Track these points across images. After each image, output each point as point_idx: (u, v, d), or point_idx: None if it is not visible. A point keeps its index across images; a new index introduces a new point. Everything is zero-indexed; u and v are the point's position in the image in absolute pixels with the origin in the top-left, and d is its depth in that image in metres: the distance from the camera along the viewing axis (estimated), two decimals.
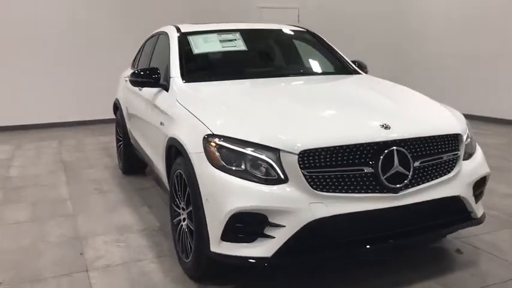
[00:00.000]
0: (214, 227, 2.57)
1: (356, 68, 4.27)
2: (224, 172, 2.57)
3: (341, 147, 2.53)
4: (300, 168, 2.48)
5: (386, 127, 2.65)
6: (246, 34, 4.22)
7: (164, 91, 3.73)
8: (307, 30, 4.71)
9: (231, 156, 2.60)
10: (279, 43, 4.70)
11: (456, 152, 2.82)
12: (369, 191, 2.55)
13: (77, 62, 9.26)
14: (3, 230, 3.97)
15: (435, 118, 3.01)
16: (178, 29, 4.25)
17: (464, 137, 2.91)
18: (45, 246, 3.61)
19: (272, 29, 4.69)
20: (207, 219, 2.62)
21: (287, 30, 4.70)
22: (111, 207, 4.49)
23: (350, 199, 2.52)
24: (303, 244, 2.54)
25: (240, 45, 4.08)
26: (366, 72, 4.35)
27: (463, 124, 3.01)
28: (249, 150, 2.57)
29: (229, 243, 2.56)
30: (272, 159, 2.53)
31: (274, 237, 2.48)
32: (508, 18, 8.48)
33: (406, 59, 10.93)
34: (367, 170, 2.55)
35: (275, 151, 2.53)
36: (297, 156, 2.48)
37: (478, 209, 2.98)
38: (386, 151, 2.56)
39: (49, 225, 4.04)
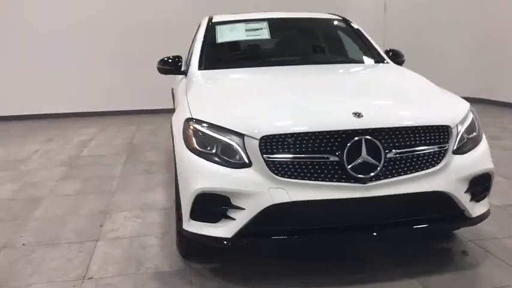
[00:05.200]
0: (185, 206, 2.69)
1: (385, 57, 4.08)
2: (195, 154, 2.68)
3: (306, 133, 2.51)
4: (261, 153, 2.51)
5: (359, 115, 2.56)
6: (274, 23, 4.26)
7: (185, 78, 3.92)
8: (343, 18, 4.59)
9: (204, 139, 2.69)
10: (305, 31, 4.64)
11: (443, 145, 2.64)
12: (334, 179, 2.50)
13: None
14: (51, 201, 4.44)
15: (422, 108, 2.82)
16: (210, 19, 4.41)
17: (457, 130, 2.70)
18: (73, 217, 3.99)
19: (302, 17, 4.65)
20: (180, 198, 2.76)
21: (318, 17, 4.63)
22: (150, 187, 4.79)
23: (313, 186, 2.49)
24: (264, 228, 2.58)
25: (264, 34, 4.12)
26: (402, 61, 4.15)
27: (457, 116, 2.77)
28: (219, 135, 2.65)
29: (197, 222, 2.68)
30: (238, 144, 2.58)
31: (235, 219, 2.55)
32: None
33: None
34: (332, 158, 2.49)
35: (240, 136, 2.58)
36: (258, 141, 2.51)
37: (474, 208, 2.74)
38: (352, 140, 2.49)
39: (87, 199, 4.45)
